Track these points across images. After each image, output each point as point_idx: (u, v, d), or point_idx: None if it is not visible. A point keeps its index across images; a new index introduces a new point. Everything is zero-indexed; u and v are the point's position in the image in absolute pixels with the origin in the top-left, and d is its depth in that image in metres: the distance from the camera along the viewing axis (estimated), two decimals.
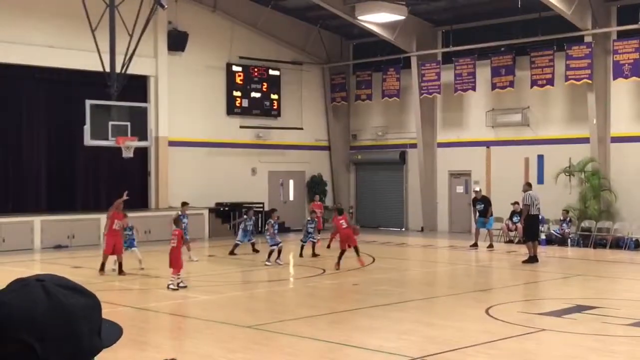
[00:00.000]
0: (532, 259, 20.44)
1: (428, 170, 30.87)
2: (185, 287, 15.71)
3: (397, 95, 31.26)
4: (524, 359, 10.22)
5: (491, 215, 25.07)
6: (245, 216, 22.60)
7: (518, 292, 16.29)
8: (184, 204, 22.33)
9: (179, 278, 15.67)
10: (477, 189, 26.40)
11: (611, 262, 21.66)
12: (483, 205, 24.96)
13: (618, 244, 24.57)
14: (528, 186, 21.44)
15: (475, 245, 24.58)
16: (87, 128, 21.92)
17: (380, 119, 32.88)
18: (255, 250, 22.15)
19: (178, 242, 15.72)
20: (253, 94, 31.08)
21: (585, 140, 26.26)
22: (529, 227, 21.30)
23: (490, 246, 24.46)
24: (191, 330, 12.17)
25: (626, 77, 25.01)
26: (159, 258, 18.17)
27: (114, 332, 1.67)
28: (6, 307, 1.52)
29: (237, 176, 30.20)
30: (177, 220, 17.21)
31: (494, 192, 27.68)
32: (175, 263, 15.48)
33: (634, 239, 24.49)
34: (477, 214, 25.19)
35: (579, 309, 13.74)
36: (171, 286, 15.50)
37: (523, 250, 24.29)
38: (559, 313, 13.31)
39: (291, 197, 32.62)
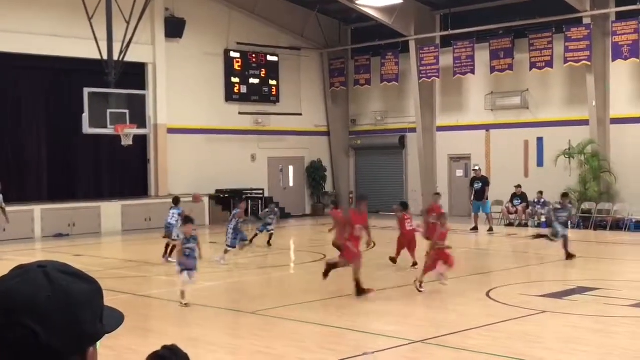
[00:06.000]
0: None
1: (428, 155, 30.88)
2: None
3: (395, 80, 31.22)
4: (525, 341, 10.24)
5: (487, 198, 25.18)
6: (267, 209, 22.12)
7: (519, 275, 16.32)
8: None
9: None
10: (477, 167, 26.44)
11: (611, 244, 21.70)
12: (481, 184, 25.06)
13: (618, 225, 24.63)
14: None
15: (475, 228, 24.64)
16: (85, 116, 21.89)
17: (379, 104, 32.85)
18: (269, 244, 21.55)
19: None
20: (251, 80, 31.04)
21: (585, 122, 26.26)
22: None
23: (490, 230, 24.56)
24: (195, 317, 12.17)
25: (625, 59, 24.99)
26: (161, 246, 18.21)
27: (115, 319, 1.67)
28: (9, 293, 1.53)
29: (237, 163, 30.19)
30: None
31: (494, 175, 27.71)
32: None
33: (634, 221, 24.54)
34: (474, 194, 25.27)
35: (580, 290, 13.78)
36: None
37: (524, 233, 24.38)
38: (559, 295, 13.34)
39: (291, 183, 32.64)
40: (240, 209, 18.72)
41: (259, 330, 11.00)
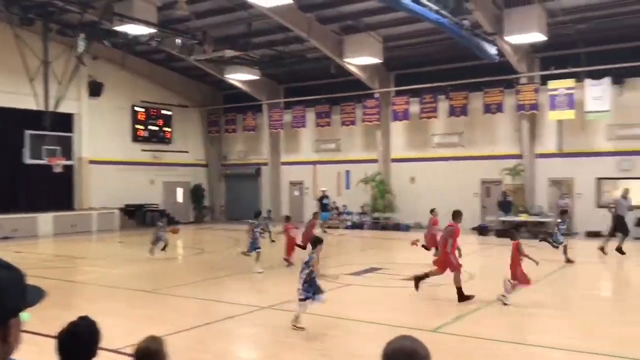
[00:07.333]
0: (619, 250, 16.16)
1: (275, 181, 30.98)
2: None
3: (253, 130, 31.19)
4: (338, 303, 10.42)
5: (327, 210, 25.84)
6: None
7: (333, 260, 16.55)
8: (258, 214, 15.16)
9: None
10: (324, 189, 26.78)
11: (392, 239, 22.49)
12: (327, 201, 25.61)
13: (396, 227, 25.68)
14: (625, 192, 17.21)
15: (325, 231, 24.70)
16: (25, 150, 20.45)
17: (243, 146, 32.66)
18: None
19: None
20: (151, 127, 30.00)
21: (375, 160, 27.28)
22: (616, 224, 16.83)
23: (325, 231, 24.77)
24: (106, 295, 11.49)
25: (400, 120, 26.27)
26: (83, 245, 17.11)
27: (38, 294, 1.55)
28: None
29: (140, 185, 28.99)
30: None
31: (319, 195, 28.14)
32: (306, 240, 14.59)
33: (405, 224, 25.68)
34: (322, 207, 25.65)
35: (372, 270, 14.19)
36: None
37: (337, 233, 24.77)
38: (359, 273, 13.65)
39: (180, 200, 31.73)
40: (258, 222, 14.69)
41: (153, 303, 10.56)
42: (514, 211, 22.97)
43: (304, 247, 14.84)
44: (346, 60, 23.99)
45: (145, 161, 29.60)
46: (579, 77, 21.82)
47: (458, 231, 10.63)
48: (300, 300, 8.42)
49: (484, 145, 24.91)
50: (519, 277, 9.91)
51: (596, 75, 21.48)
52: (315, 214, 17.86)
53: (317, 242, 8.91)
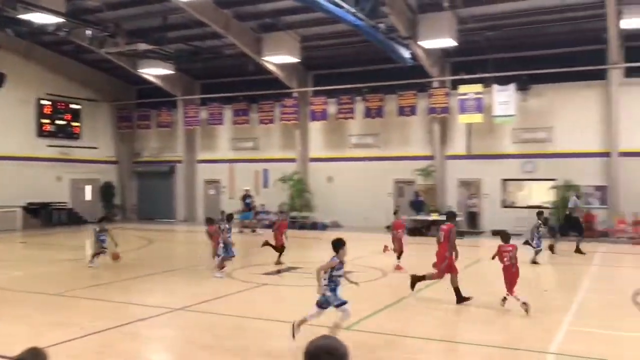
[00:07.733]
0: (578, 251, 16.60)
1: (190, 179, 30.45)
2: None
3: (168, 126, 30.48)
4: (252, 302, 10.42)
5: (251, 209, 25.62)
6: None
7: (251, 260, 16.54)
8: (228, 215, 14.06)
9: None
10: (248, 188, 26.47)
11: (309, 238, 22.68)
12: (250, 200, 25.29)
13: (313, 226, 25.95)
14: (578, 193, 18.12)
15: (254, 231, 24.18)
16: None
17: (156, 143, 31.83)
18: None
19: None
20: (58, 122, 28.60)
21: (293, 160, 27.46)
22: (571, 225, 17.40)
23: (254, 231, 24.29)
24: (6, 299, 10.83)
25: (318, 120, 26.61)
26: None
27: None
28: None
29: (45, 183, 27.56)
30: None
31: (237, 195, 27.94)
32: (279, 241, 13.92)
33: (323, 223, 26.01)
34: (246, 206, 25.34)
35: (289, 269, 14.30)
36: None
37: (258, 231, 24.62)
38: (276, 272, 13.73)
39: (89, 198, 30.44)
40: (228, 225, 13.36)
41: (61, 307, 10.09)
42: (426, 210, 23.87)
43: (277, 248, 15.04)
44: (264, 58, 23.97)
45: (52, 157, 28.17)
46: (487, 83, 23.00)
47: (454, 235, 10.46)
48: (337, 306, 7.21)
49: (398, 146, 25.70)
50: (510, 279, 9.71)
51: (503, 81, 22.74)
52: (282, 213, 17.38)
53: (339, 244, 7.24)
